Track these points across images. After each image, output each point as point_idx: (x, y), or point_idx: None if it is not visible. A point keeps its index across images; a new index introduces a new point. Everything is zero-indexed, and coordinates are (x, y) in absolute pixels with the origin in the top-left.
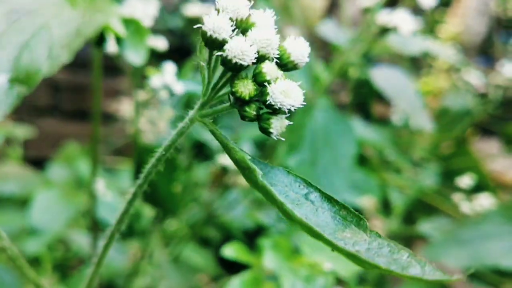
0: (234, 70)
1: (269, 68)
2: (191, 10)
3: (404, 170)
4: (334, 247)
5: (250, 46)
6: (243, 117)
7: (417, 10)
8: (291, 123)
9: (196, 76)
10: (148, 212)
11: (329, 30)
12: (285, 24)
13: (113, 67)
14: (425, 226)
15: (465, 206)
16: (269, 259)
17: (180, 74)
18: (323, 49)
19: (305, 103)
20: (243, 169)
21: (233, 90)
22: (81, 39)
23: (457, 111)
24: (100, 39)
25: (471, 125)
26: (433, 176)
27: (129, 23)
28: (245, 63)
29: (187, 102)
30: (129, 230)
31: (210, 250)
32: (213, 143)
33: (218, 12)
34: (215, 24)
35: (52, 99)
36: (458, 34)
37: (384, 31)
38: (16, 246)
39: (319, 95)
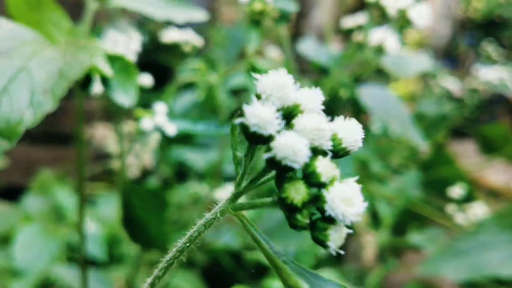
0: (283, 171)
1: (324, 167)
2: (169, 36)
3: (387, 180)
4: None
5: (302, 141)
6: (294, 226)
7: (383, 18)
8: (351, 231)
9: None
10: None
11: (309, 48)
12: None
13: None
14: (416, 237)
15: (460, 216)
16: None
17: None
18: (306, 62)
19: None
20: None
21: (283, 196)
22: (65, 83)
23: (433, 116)
24: (85, 82)
25: (447, 129)
26: (416, 185)
27: (114, 60)
28: (297, 166)
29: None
30: (110, 257)
31: (195, 272)
32: (197, 163)
33: (259, 97)
34: (260, 118)
35: None
36: (424, 38)
37: (375, 51)
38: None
39: None
